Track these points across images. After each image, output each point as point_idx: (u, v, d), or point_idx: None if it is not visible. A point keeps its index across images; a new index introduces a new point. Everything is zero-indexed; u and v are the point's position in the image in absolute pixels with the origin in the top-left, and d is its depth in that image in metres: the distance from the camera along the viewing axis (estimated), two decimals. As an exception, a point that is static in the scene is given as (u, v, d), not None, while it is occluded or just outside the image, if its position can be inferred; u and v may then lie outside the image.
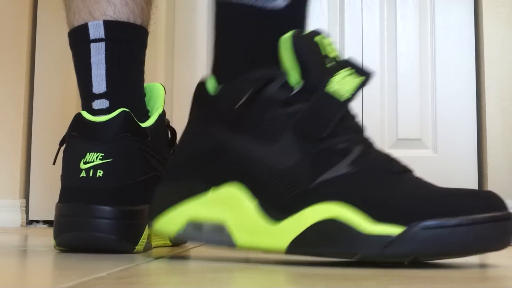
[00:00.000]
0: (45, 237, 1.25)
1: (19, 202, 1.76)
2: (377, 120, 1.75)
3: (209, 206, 0.64)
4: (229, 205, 0.64)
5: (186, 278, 0.57)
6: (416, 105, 1.76)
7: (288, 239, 0.62)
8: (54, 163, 0.86)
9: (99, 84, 0.79)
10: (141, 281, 0.54)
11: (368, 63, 1.77)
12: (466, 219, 0.60)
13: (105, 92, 0.79)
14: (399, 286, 0.52)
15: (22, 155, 1.79)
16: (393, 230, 0.60)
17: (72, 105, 1.82)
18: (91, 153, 0.75)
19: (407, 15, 1.79)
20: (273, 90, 0.64)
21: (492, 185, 1.68)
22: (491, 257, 0.87)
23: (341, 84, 0.67)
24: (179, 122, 1.81)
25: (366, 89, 1.92)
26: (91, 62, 0.79)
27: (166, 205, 0.65)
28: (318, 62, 0.64)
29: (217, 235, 0.64)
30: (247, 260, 0.76)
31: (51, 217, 1.89)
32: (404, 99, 1.76)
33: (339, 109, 0.68)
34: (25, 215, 1.78)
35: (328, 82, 0.65)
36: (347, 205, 0.61)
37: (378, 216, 0.60)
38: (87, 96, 0.80)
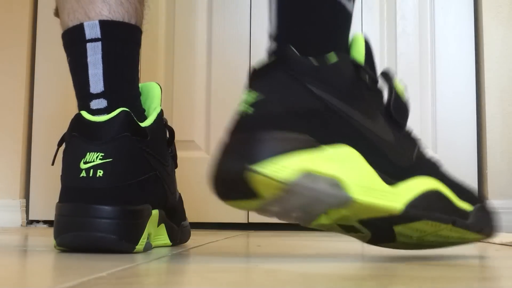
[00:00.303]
0: (45, 237, 1.25)
1: (19, 202, 1.76)
2: (377, 120, 1.75)
3: (325, 161, 0.66)
4: (345, 163, 0.67)
5: (186, 278, 0.57)
6: (415, 105, 1.76)
7: (403, 201, 0.69)
8: (53, 164, 0.86)
9: (96, 83, 0.79)
10: (141, 281, 0.54)
11: (368, 63, 1.78)
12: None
13: (103, 91, 0.79)
14: (399, 286, 0.52)
15: (22, 155, 1.79)
16: (468, 207, 0.75)
17: (72, 105, 1.82)
18: (91, 153, 0.75)
19: (407, 15, 1.79)
20: (363, 76, 0.77)
21: (492, 185, 1.68)
22: (491, 257, 0.87)
23: (399, 86, 0.80)
24: (179, 121, 1.82)
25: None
26: (88, 62, 0.80)
27: (277, 151, 0.63)
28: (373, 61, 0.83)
29: (333, 189, 0.66)
30: (247, 260, 0.76)
31: (51, 217, 1.89)
32: (404, 99, 1.76)
33: (408, 106, 0.78)
34: (25, 215, 1.78)
35: (394, 81, 0.81)
36: (441, 183, 0.73)
37: (459, 195, 0.74)
38: (84, 96, 0.81)
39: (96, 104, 0.80)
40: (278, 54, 0.71)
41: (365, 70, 0.79)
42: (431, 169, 0.74)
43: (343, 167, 0.66)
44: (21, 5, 1.81)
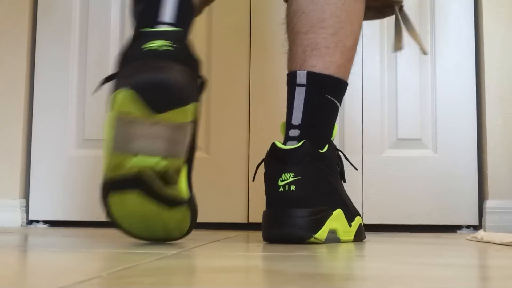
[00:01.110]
0: (45, 237, 1.25)
1: (19, 202, 1.76)
2: (377, 120, 1.75)
3: (334, 221, 1.07)
4: (339, 220, 1.08)
5: (186, 278, 0.57)
6: (416, 105, 1.76)
7: (353, 235, 1.12)
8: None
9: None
10: (141, 281, 0.54)
11: (368, 63, 1.77)
12: None
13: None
14: (399, 286, 0.52)
15: (22, 155, 1.79)
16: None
17: (72, 105, 1.82)
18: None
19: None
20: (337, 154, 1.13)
21: (492, 185, 1.68)
22: (491, 257, 0.87)
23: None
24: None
25: (366, 89, 1.93)
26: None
27: (321, 225, 1.04)
28: None
29: (333, 236, 1.06)
30: (247, 260, 0.76)
31: (51, 217, 1.89)
32: (404, 99, 1.76)
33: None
34: (25, 215, 1.78)
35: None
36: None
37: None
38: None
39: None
40: (301, 148, 1.02)
41: (339, 150, 1.12)
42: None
43: (338, 223, 1.07)
44: (21, 4, 1.81)
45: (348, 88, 1.78)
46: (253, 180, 1.13)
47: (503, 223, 1.65)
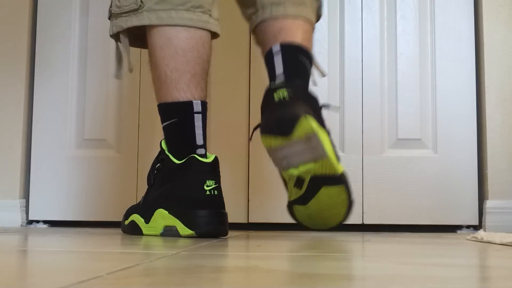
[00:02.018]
0: (45, 237, 1.25)
1: (19, 202, 1.76)
2: (377, 120, 1.75)
3: (323, 132, 1.19)
4: (327, 137, 1.18)
5: (186, 278, 0.57)
6: (416, 105, 1.76)
7: (342, 168, 1.19)
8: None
9: (199, 139, 1.22)
10: (141, 281, 0.54)
11: (368, 63, 1.77)
12: None
13: (202, 144, 1.23)
14: (399, 286, 0.52)
15: (22, 156, 1.79)
16: None
17: (72, 105, 1.82)
18: (209, 180, 1.18)
19: (407, 15, 1.79)
20: None
21: (492, 185, 1.68)
22: (491, 257, 0.87)
23: None
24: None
25: (366, 88, 1.92)
26: (195, 126, 1.22)
27: (313, 116, 1.18)
28: None
29: (319, 146, 1.16)
30: (247, 260, 0.76)
31: (51, 217, 1.89)
32: (404, 99, 1.76)
33: None
34: (25, 215, 1.78)
35: None
36: None
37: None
38: (192, 145, 1.22)
39: (200, 151, 1.22)
40: (290, 84, 1.21)
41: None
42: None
43: (326, 138, 1.16)
44: (21, 5, 1.81)
45: (349, 88, 1.78)
46: (250, 139, 1.34)
47: (503, 223, 1.65)
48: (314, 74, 1.34)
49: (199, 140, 1.22)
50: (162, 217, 1.22)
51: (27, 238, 1.22)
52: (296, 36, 1.29)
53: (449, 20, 1.78)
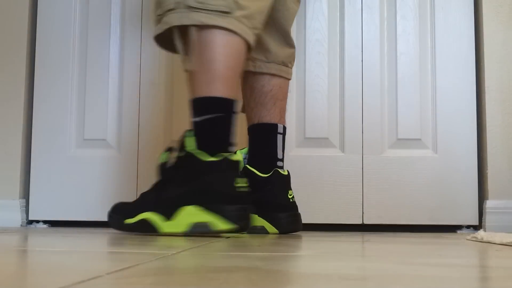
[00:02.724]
0: (45, 237, 1.25)
1: (19, 202, 1.76)
2: (377, 120, 1.75)
3: None
4: None
5: (186, 278, 0.57)
6: (416, 105, 1.76)
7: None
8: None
9: (232, 137, 1.28)
10: (141, 281, 0.54)
11: (368, 63, 1.77)
12: None
13: (233, 142, 1.28)
14: (399, 286, 0.52)
15: (22, 156, 1.79)
16: None
17: (72, 105, 1.82)
18: (239, 179, 1.25)
19: (407, 15, 1.79)
20: None
21: (492, 185, 1.68)
22: (492, 257, 0.87)
23: None
24: (180, 122, 1.82)
25: (366, 88, 1.92)
26: (232, 125, 1.27)
27: None
28: None
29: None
30: (247, 260, 0.76)
31: (51, 217, 1.89)
32: (404, 99, 1.76)
33: None
34: (25, 215, 1.78)
35: None
36: None
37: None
38: (226, 142, 1.27)
39: (232, 149, 1.27)
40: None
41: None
42: None
43: None
44: (21, 6, 1.81)
45: (349, 88, 1.78)
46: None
47: (503, 223, 1.65)
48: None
49: (232, 138, 1.27)
50: (191, 214, 1.21)
51: (27, 238, 1.22)
52: (284, 107, 1.52)
53: (449, 20, 1.78)
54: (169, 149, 1.28)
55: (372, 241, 1.22)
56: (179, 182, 1.24)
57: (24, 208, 1.78)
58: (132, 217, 1.29)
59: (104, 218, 1.85)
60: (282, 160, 1.47)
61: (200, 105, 1.25)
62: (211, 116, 1.24)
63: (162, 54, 1.81)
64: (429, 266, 0.67)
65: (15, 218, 1.75)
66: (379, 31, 1.79)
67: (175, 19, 1.25)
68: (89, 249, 0.91)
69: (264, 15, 1.33)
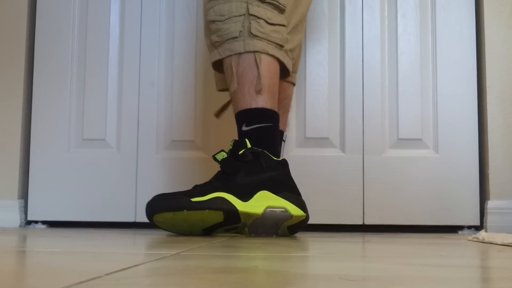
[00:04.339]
0: (44, 238, 1.25)
1: (17, 203, 1.76)
2: (378, 119, 1.75)
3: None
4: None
5: (186, 278, 0.57)
6: (417, 105, 1.76)
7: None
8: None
9: (278, 144, 1.41)
10: (141, 281, 0.54)
11: (368, 63, 1.77)
12: None
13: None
14: (399, 286, 0.52)
15: (20, 156, 1.79)
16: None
17: (72, 105, 1.82)
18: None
19: (408, 14, 1.79)
20: None
21: (493, 185, 1.68)
22: (493, 258, 0.87)
23: None
24: (180, 122, 1.81)
25: (367, 88, 1.92)
26: (281, 152, 1.46)
27: None
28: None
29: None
30: (247, 260, 0.76)
31: (50, 217, 1.88)
32: (405, 99, 1.76)
33: None
34: (23, 216, 1.78)
35: None
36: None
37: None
38: (277, 147, 1.39)
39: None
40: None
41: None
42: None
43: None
44: (20, 5, 1.81)
45: (349, 87, 1.78)
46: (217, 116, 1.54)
47: (504, 223, 1.65)
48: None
49: (280, 146, 1.44)
50: (267, 198, 1.29)
51: (25, 239, 1.22)
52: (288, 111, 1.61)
53: (450, 19, 1.77)
54: (221, 151, 1.36)
55: (373, 241, 1.21)
56: (253, 172, 1.31)
57: (23, 209, 1.78)
58: (203, 195, 1.28)
59: (104, 218, 1.86)
60: None
61: (256, 115, 1.36)
62: (264, 125, 1.35)
63: (162, 54, 1.81)
64: (430, 267, 0.67)
65: (14, 218, 1.75)
66: (379, 30, 1.78)
67: (241, 47, 1.36)
68: (88, 249, 0.91)
69: (299, 47, 1.54)
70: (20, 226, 1.75)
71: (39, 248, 0.94)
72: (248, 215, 1.27)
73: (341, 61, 1.77)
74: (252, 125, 1.35)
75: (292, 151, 1.76)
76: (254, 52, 1.36)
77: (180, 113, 1.79)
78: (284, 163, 1.36)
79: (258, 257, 0.83)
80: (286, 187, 1.33)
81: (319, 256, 0.86)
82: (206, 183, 1.33)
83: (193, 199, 1.26)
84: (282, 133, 1.53)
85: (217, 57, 1.38)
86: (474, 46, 1.76)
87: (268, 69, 1.38)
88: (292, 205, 1.30)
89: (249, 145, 1.33)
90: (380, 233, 1.58)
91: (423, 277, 0.58)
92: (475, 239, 1.21)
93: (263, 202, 1.29)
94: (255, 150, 1.33)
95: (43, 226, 1.77)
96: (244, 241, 1.15)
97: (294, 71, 1.58)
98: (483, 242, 1.15)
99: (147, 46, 1.82)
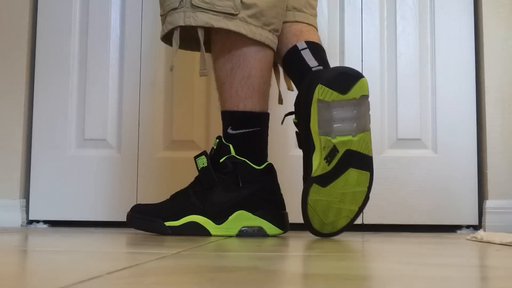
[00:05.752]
0: (45, 237, 1.25)
1: (19, 202, 1.76)
2: (377, 120, 1.75)
3: None
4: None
5: (186, 278, 0.57)
6: (416, 105, 1.76)
7: None
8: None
9: (266, 147, 1.34)
10: (141, 281, 0.54)
11: (368, 63, 1.77)
12: None
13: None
14: (399, 286, 0.52)
15: (22, 156, 1.79)
16: None
17: (72, 105, 1.82)
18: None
19: (406, 15, 1.79)
20: None
21: (491, 185, 1.68)
22: (491, 257, 0.87)
23: None
24: (180, 122, 1.81)
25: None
26: (267, 136, 1.34)
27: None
28: None
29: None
30: (247, 260, 0.76)
31: (51, 217, 1.88)
32: (404, 99, 1.76)
33: None
34: (25, 215, 1.78)
35: None
36: None
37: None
38: (265, 153, 1.33)
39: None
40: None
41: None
42: None
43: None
44: (21, 5, 1.81)
45: (348, 88, 1.77)
46: (282, 124, 1.34)
47: (503, 223, 1.65)
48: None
49: (266, 149, 1.33)
50: (243, 218, 1.27)
51: (27, 238, 1.22)
52: (315, 38, 1.37)
53: (449, 20, 1.78)
54: (203, 154, 1.32)
55: (372, 241, 1.22)
56: (230, 188, 1.28)
57: (24, 208, 1.78)
58: (177, 219, 1.29)
59: (104, 218, 1.86)
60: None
61: (240, 119, 1.28)
62: (249, 130, 1.29)
63: (162, 54, 1.81)
64: (429, 266, 0.67)
65: (15, 218, 1.75)
66: (379, 31, 1.79)
67: (180, 19, 1.23)
68: (89, 249, 0.91)
69: (278, 8, 1.29)
70: (21, 225, 1.76)
71: (41, 248, 0.94)
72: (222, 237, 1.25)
73: (341, 62, 1.78)
74: (238, 129, 1.29)
75: (292, 151, 1.75)
76: (197, 27, 1.22)
77: (180, 113, 1.80)
78: (268, 170, 1.30)
79: (258, 256, 0.83)
80: (264, 203, 1.28)
81: (319, 255, 0.86)
82: (184, 194, 1.31)
83: (167, 223, 1.27)
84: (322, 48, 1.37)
85: (161, 33, 1.27)
86: (472, 46, 1.77)
87: (259, 67, 1.27)
88: (268, 223, 1.28)
89: (232, 152, 1.28)
90: (379, 233, 1.59)
91: (422, 276, 0.59)
92: (473, 239, 1.21)
93: (239, 223, 1.27)
94: (237, 160, 1.28)
95: (45, 226, 1.77)
96: (244, 241, 1.15)
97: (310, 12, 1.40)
98: (481, 242, 1.15)
99: (148, 46, 1.82)
